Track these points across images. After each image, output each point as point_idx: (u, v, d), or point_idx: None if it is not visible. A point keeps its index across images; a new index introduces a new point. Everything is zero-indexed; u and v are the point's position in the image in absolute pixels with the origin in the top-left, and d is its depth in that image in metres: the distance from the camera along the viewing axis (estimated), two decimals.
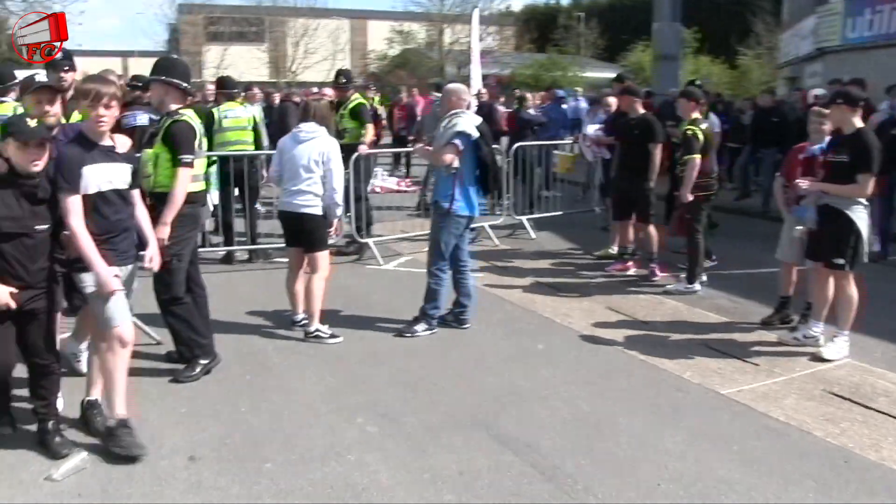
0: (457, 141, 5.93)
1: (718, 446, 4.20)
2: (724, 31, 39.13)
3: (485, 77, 39.44)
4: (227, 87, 8.87)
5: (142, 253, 4.45)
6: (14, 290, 3.79)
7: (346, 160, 8.46)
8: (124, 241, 4.22)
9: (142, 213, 4.45)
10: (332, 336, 6.01)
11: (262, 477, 3.83)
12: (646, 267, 8.08)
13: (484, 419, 4.56)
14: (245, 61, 42.38)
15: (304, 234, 6.03)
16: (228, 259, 8.65)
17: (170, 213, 4.97)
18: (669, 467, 3.95)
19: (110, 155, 4.10)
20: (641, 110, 8.04)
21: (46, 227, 3.91)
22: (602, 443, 4.25)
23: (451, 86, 6.53)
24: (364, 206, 8.96)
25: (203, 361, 5.29)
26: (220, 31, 50.95)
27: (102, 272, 3.93)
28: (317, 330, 6.01)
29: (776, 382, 5.18)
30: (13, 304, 3.79)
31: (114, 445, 4.07)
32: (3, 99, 7.33)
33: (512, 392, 5.00)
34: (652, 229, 8.01)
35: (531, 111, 12.66)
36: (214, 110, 8.58)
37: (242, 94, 10.21)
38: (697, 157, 7.18)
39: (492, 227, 10.15)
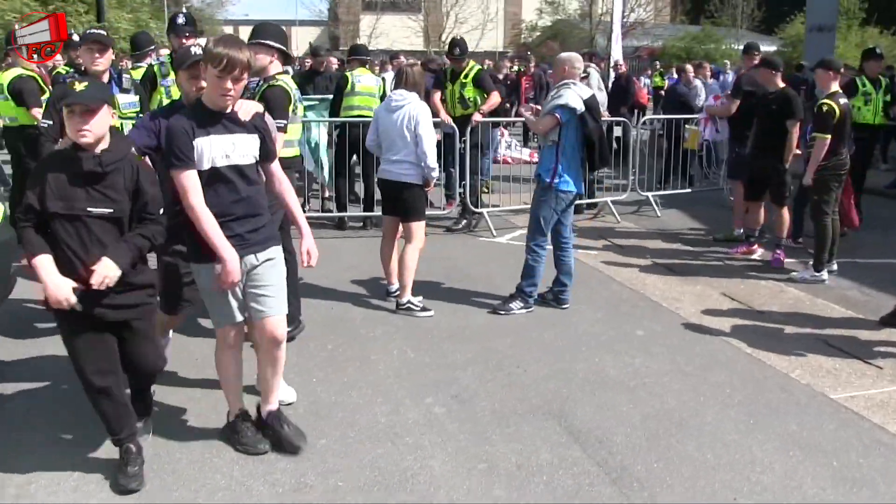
0: (557, 113, 5.65)
1: (815, 459, 3.75)
2: None
3: (636, 49, 38.25)
4: (359, 54, 9.04)
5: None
6: (77, 285, 3.20)
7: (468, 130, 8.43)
8: (247, 225, 3.57)
9: (287, 191, 3.82)
10: (424, 309, 5.90)
11: (313, 453, 3.76)
12: (772, 251, 7.46)
13: (560, 408, 4.31)
14: (397, 30, 42.96)
15: (400, 202, 5.93)
16: (341, 225, 8.73)
17: None
18: (752, 479, 3.56)
19: (228, 125, 3.51)
20: (781, 84, 7.34)
21: (107, 211, 3.23)
22: (682, 444, 3.89)
23: (564, 55, 6.22)
24: (479, 179, 8.78)
25: (288, 329, 5.30)
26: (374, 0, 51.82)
27: (228, 257, 3.41)
28: (408, 302, 5.91)
29: None
30: (74, 301, 3.18)
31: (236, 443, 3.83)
32: (139, 64, 7.68)
33: (598, 380, 4.70)
34: (785, 212, 7.36)
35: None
36: (348, 73, 8.68)
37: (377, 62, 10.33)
38: (827, 137, 6.51)
39: (616, 202, 9.73)
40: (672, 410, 4.29)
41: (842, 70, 7.14)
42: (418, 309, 5.89)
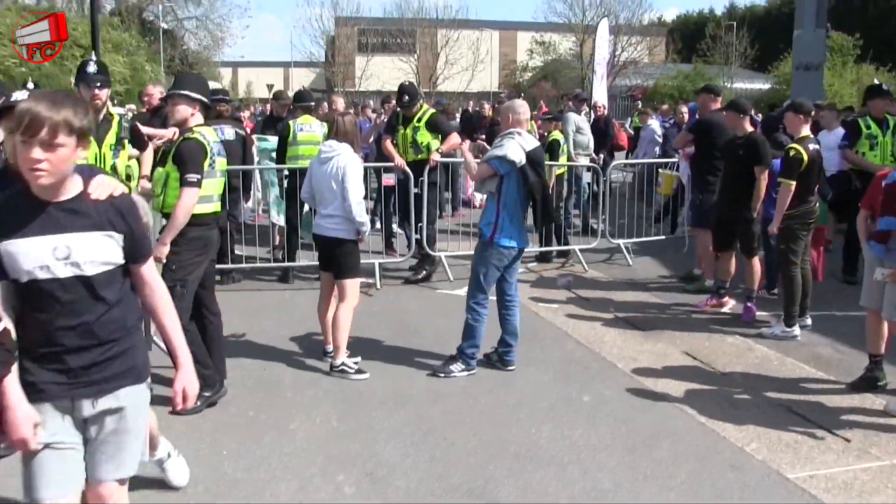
0: (493, 164, 5.31)
1: None
2: (892, 36, 35.73)
3: (629, 88, 38.41)
4: (302, 101, 8.69)
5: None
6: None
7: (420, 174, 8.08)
8: (84, 357, 2.57)
9: (162, 304, 2.80)
10: (359, 371, 5.50)
11: None
12: (743, 304, 7.07)
13: (482, 488, 3.89)
14: (388, 71, 43.14)
15: (332, 258, 5.57)
16: (285, 278, 8.31)
17: (169, 233, 4.69)
18: None
19: (61, 219, 2.49)
20: (749, 128, 7.02)
21: None
22: None
23: (508, 103, 5.96)
24: (435, 227, 8.44)
25: (206, 394, 4.86)
26: (369, 41, 52.23)
27: (13, 404, 2.45)
28: (342, 364, 5.51)
29: (867, 469, 4.17)
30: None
31: None
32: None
33: (529, 454, 4.28)
34: (755, 263, 7.00)
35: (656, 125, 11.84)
36: (291, 123, 8.36)
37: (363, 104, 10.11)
38: (792, 184, 6.18)
39: (586, 251, 9.35)
40: (605, 492, 3.87)
41: (813, 113, 6.80)
42: (352, 371, 5.49)
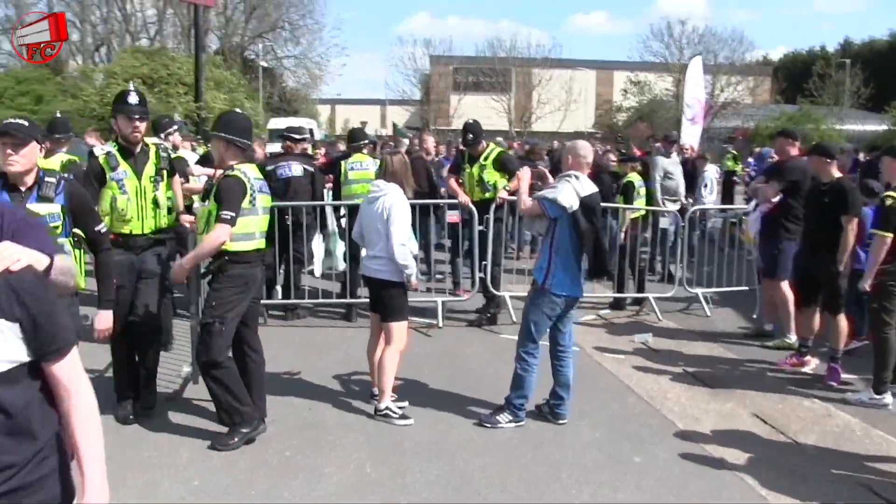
0: (545, 203, 5.08)
1: None
2: None
3: (734, 129, 37.34)
4: (354, 140, 8.64)
5: None
6: None
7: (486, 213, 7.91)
8: None
9: (77, 410, 2.11)
10: (403, 417, 5.34)
11: None
12: (827, 364, 6.54)
13: None
14: (479, 110, 43.42)
15: (378, 300, 5.45)
16: (349, 316, 8.24)
17: (191, 259, 4.93)
18: None
19: None
20: (836, 174, 6.55)
21: None
22: None
23: (572, 143, 5.70)
24: (499, 268, 8.23)
25: (244, 430, 4.87)
26: (462, 80, 52.81)
27: None
28: (386, 408, 5.36)
29: None
30: None
31: None
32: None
33: None
34: (841, 321, 6.45)
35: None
36: (342, 162, 8.41)
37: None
38: (888, 236, 5.69)
39: (661, 300, 8.94)
40: None
41: None
42: (397, 416, 5.33)
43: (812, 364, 6.82)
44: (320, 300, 8.43)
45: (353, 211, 7.85)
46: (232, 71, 44.45)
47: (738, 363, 7.02)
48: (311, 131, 22.70)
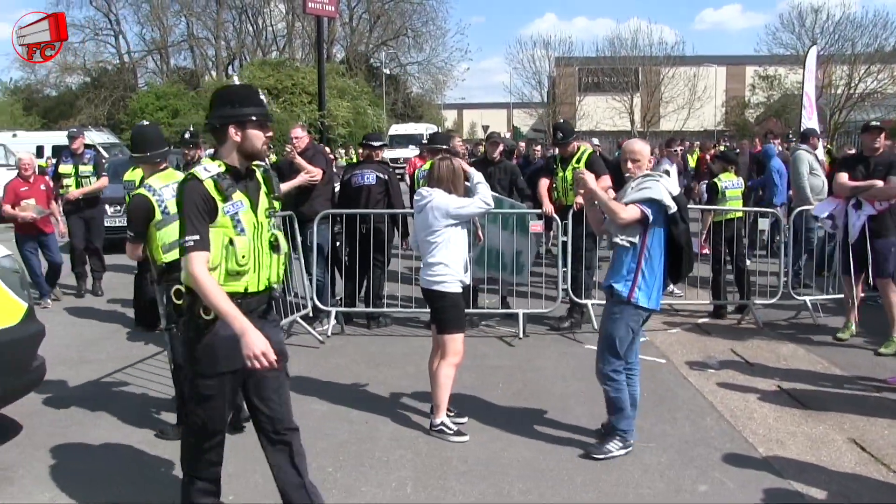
0: (646, 207, 4.64)
1: None
2: None
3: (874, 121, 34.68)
4: (434, 143, 8.46)
5: None
6: None
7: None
8: None
9: None
10: (458, 434, 5.10)
11: None
12: None
13: None
14: (601, 111, 42.50)
15: (433, 312, 5.25)
16: (430, 325, 8.05)
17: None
18: None
19: None
20: None
21: None
22: None
23: (629, 142, 5.24)
24: (583, 271, 7.84)
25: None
26: (583, 81, 51.93)
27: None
28: (441, 423, 5.15)
29: None
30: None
31: None
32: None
33: None
34: None
35: None
36: (418, 170, 8.32)
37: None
38: None
39: (767, 306, 8.29)
40: None
41: None
42: (451, 433, 5.11)
43: None
44: (400, 309, 8.31)
45: None
46: (356, 79, 45.64)
47: (843, 380, 6.35)
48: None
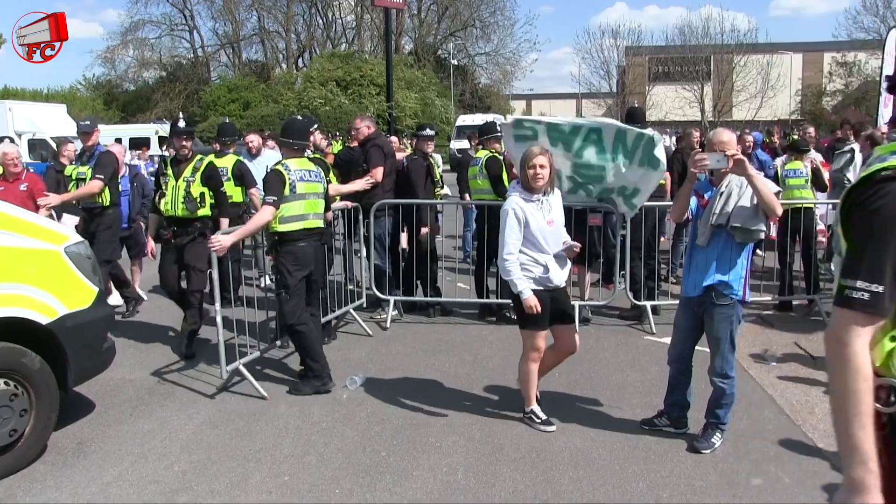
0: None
1: None
2: None
3: None
4: (485, 133, 8.36)
5: None
6: None
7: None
8: None
9: None
10: (546, 423, 5.07)
11: None
12: None
13: None
14: (671, 101, 41.68)
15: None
16: (481, 315, 8.12)
17: (236, 235, 5.80)
18: None
19: None
20: None
21: None
22: None
23: (715, 131, 4.94)
24: (641, 266, 7.76)
25: (315, 382, 5.87)
26: (652, 70, 51.02)
27: None
28: (531, 411, 5.15)
29: None
30: None
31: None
32: (226, 152, 8.49)
33: None
34: None
35: None
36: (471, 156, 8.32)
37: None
38: None
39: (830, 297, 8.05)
40: None
41: None
42: (538, 421, 5.09)
43: None
44: (455, 298, 8.37)
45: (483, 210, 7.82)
46: (423, 70, 45.86)
47: None
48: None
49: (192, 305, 6.81)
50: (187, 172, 6.68)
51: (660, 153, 6.68)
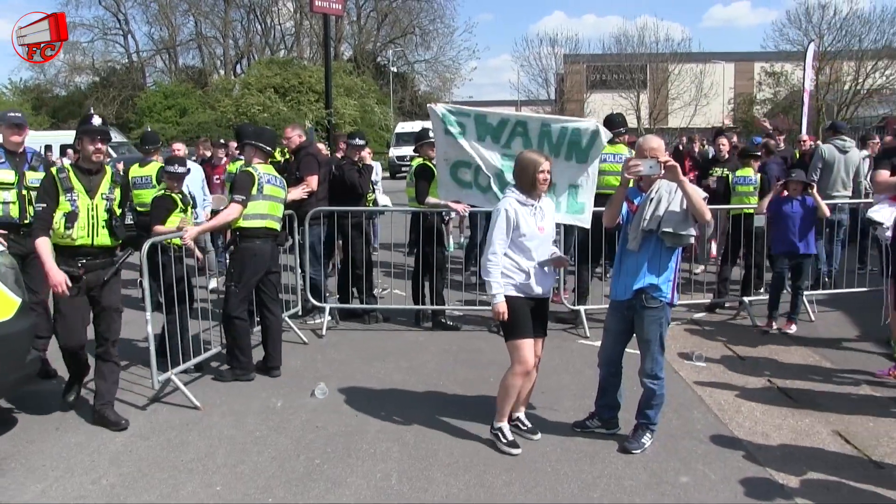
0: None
1: None
2: None
3: (882, 119, 34.59)
4: (422, 139, 8.25)
5: None
6: None
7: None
8: None
9: None
10: (511, 445, 4.80)
11: None
12: None
13: None
14: (608, 108, 42.41)
15: None
16: (417, 321, 8.15)
17: (202, 227, 6.39)
18: None
19: None
20: None
21: None
22: None
23: (651, 139, 4.92)
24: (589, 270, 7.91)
25: (238, 371, 6.28)
26: (589, 78, 51.89)
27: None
28: (499, 429, 4.89)
29: None
30: None
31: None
32: (149, 159, 8.27)
33: None
34: None
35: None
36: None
37: None
38: None
39: (761, 303, 8.31)
40: None
41: None
42: (504, 442, 4.83)
43: None
44: (391, 306, 8.39)
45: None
46: (363, 77, 45.69)
47: (833, 374, 6.38)
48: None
49: (111, 358, 5.36)
50: (104, 187, 5.19)
51: (592, 147, 6.85)
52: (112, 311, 5.32)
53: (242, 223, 6.16)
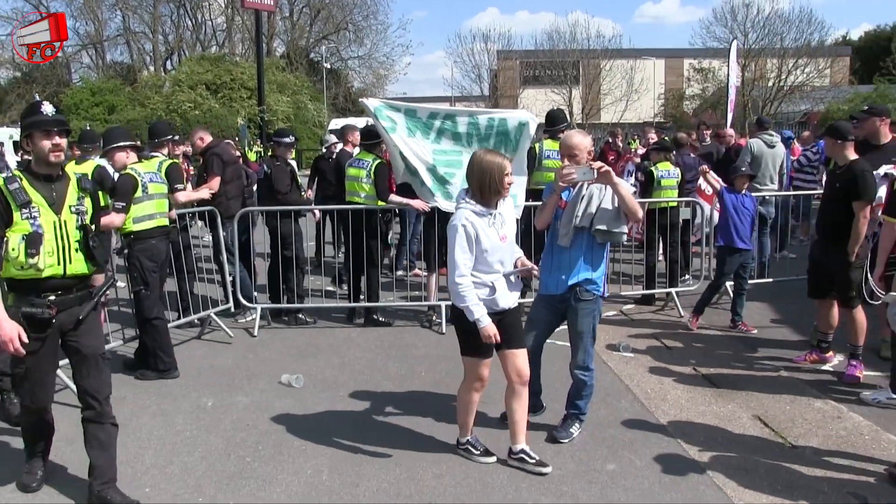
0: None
1: None
2: None
3: (804, 115, 35.90)
4: (368, 138, 8.26)
5: None
6: None
7: None
8: None
9: None
10: (485, 454, 4.65)
11: None
12: (847, 362, 6.10)
13: None
14: (540, 104, 42.83)
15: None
16: (350, 318, 8.16)
17: None
18: None
19: None
20: (851, 156, 6.03)
21: None
22: None
23: (572, 136, 4.95)
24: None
25: (161, 368, 6.26)
26: (523, 74, 52.36)
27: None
28: (467, 442, 4.73)
29: None
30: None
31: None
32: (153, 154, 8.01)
33: None
34: (858, 314, 6.03)
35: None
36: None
37: None
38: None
39: (686, 294, 8.54)
40: None
41: None
42: (477, 453, 4.66)
43: (834, 361, 6.38)
44: (322, 304, 8.36)
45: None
46: (296, 73, 45.18)
47: (755, 361, 6.61)
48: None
49: (107, 420, 4.15)
50: (71, 197, 3.96)
51: (521, 137, 6.97)
52: (97, 358, 4.06)
53: (134, 227, 6.14)
